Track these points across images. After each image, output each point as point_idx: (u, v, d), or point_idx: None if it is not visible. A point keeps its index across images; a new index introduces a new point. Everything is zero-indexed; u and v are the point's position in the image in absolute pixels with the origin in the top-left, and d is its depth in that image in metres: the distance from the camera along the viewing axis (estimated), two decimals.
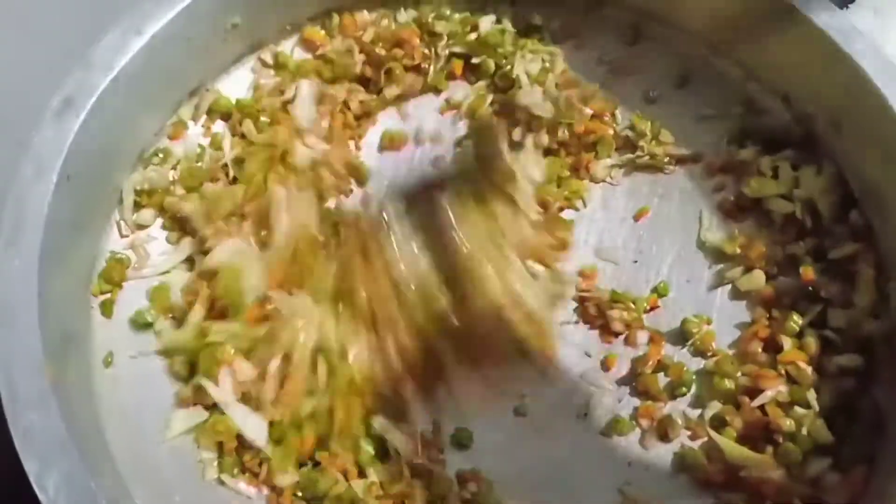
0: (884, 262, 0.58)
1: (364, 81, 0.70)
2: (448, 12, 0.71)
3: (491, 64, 0.70)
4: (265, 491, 0.55)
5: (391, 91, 0.69)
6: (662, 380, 0.59)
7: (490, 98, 0.69)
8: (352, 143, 0.68)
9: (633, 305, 0.60)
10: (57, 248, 0.53)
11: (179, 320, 0.59)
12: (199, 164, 0.65)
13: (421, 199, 0.60)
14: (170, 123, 0.65)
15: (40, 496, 0.45)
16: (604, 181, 0.67)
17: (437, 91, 0.70)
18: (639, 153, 0.66)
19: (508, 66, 0.68)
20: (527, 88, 0.66)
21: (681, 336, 0.60)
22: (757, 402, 0.55)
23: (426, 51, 0.69)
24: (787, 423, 0.54)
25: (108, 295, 0.60)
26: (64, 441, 0.47)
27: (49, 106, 0.55)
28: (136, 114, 0.61)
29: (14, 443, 0.46)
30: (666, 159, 0.66)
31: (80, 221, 0.57)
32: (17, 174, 0.53)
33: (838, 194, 0.61)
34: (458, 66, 0.70)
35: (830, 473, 0.53)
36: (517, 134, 0.66)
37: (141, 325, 0.59)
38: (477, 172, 0.62)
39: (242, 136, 0.66)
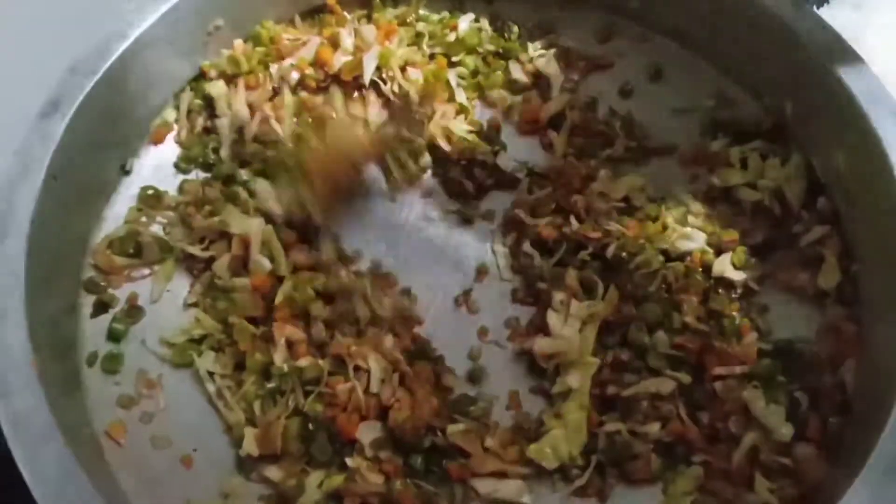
0: (849, 246, 0.59)
1: None
2: (427, 13, 0.73)
3: (469, 62, 0.71)
4: None
5: None
6: None
7: None
8: None
9: None
10: (44, 246, 0.55)
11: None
12: None
13: None
14: (154, 125, 0.67)
15: (28, 480, 0.47)
16: None
17: None
18: (616, 146, 0.68)
19: None
20: None
21: None
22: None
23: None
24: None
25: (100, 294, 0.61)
26: (50, 428, 0.48)
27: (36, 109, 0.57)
28: (121, 116, 0.63)
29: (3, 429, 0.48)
30: (641, 152, 0.68)
31: (67, 220, 0.59)
32: (4, 174, 0.55)
33: (806, 182, 0.62)
34: (441, 62, 0.71)
35: (803, 445, 0.54)
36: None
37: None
38: None
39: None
